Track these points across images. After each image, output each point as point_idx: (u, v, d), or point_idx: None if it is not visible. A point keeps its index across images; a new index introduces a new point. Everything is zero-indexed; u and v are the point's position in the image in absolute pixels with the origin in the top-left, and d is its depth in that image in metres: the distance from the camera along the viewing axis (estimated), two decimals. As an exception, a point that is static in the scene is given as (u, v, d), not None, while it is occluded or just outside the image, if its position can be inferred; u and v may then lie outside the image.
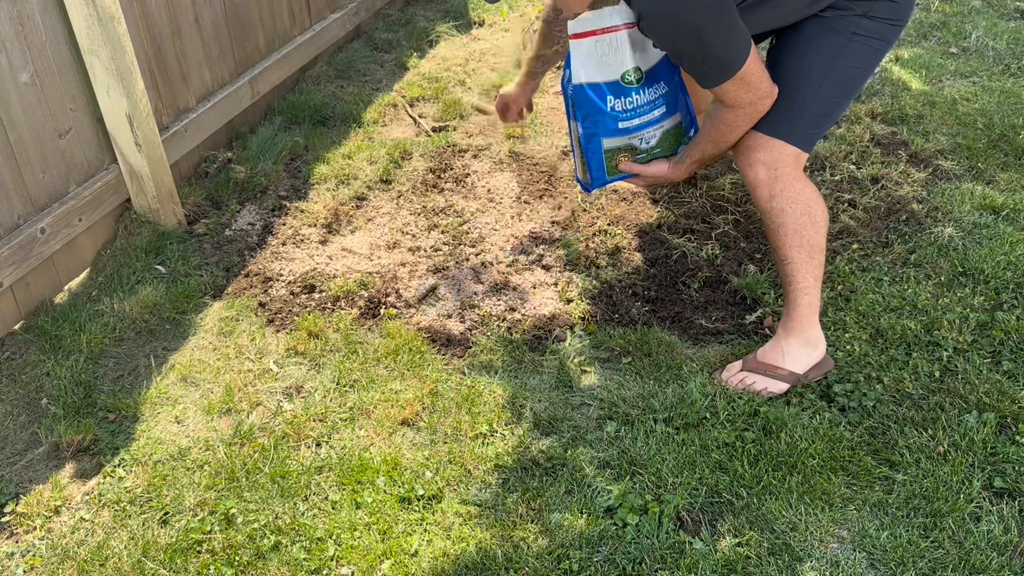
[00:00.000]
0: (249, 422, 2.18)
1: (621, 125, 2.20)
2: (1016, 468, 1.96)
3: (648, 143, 2.25)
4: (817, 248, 2.17)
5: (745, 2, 2.03)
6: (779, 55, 2.20)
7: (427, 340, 2.45)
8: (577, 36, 2.14)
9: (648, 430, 2.10)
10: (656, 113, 2.21)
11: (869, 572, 1.77)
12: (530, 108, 2.88)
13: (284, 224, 3.03)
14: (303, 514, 1.92)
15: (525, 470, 2.02)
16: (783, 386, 2.20)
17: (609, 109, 2.18)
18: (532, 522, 1.88)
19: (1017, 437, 2.04)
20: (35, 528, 1.93)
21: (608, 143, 2.25)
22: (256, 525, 1.88)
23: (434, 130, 3.68)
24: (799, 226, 2.15)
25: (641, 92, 2.19)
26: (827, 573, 1.76)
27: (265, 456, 2.07)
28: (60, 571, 1.81)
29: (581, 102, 2.21)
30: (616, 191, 3.18)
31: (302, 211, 3.09)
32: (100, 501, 1.98)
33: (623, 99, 2.18)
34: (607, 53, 2.14)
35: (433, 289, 2.68)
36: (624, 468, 2.00)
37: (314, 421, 2.18)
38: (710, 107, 2.21)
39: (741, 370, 2.24)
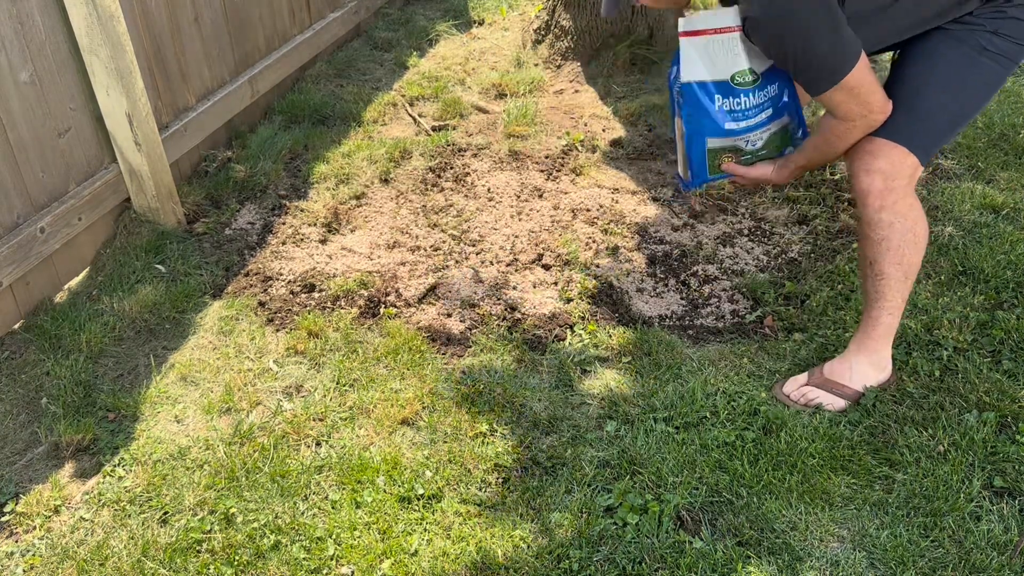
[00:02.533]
0: (249, 421, 2.18)
1: (728, 126, 2.17)
2: (1016, 467, 1.96)
3: (754, 145, 2.21)
4: (913, 269, 2.10)
5: (862, 11, 1.98)
6: (904, 64, 2.11)
7: (427, 339, 2.44)
8: (688, 34, 2.11)
9: (648, 429, 2.10)
10: (764, 115, 2.17)
11: (869, 571, 1.77)
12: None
13: (284, 223, 3.03)
14: (303, 513, 1.92)
15: (525, 469, 2.02)
16: (843, 404, 2.16)
17: (717, 109, 2.15)
18: (532, 521, 1.88)
19: (1017, 436, 2.04)
20: (35, 528, 1.93)
21: (712, 143, 2.21)
22: (256, 524, 1.88)
23: (434, 129, 3.67)
24: (903, 243, 2.06)
25: (752, 94, 2.14)
26: (827, 572, 1.76)
27: (265, 455, 2.07)
28: (60, 571, 1.81)
29: (688, 100, 2.18)
30: (618, 189, 3.18)
31: (302, 210, 3.09)
32: (100, 500, 1.98)
33: (732, 100, 2.15)
34: (720, 53, 2.11)
35: (433, 288, 2.68)
36: (624, 467, 2.00)
37: (314, 420, 2.18)
38: (822, 117, 2.16)
39: (806, 384, 2.20)
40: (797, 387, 2.20)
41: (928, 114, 2.03)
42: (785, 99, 2.18)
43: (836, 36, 1.92)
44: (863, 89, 1.98)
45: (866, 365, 2.17)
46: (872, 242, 2.09)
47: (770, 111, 2.17)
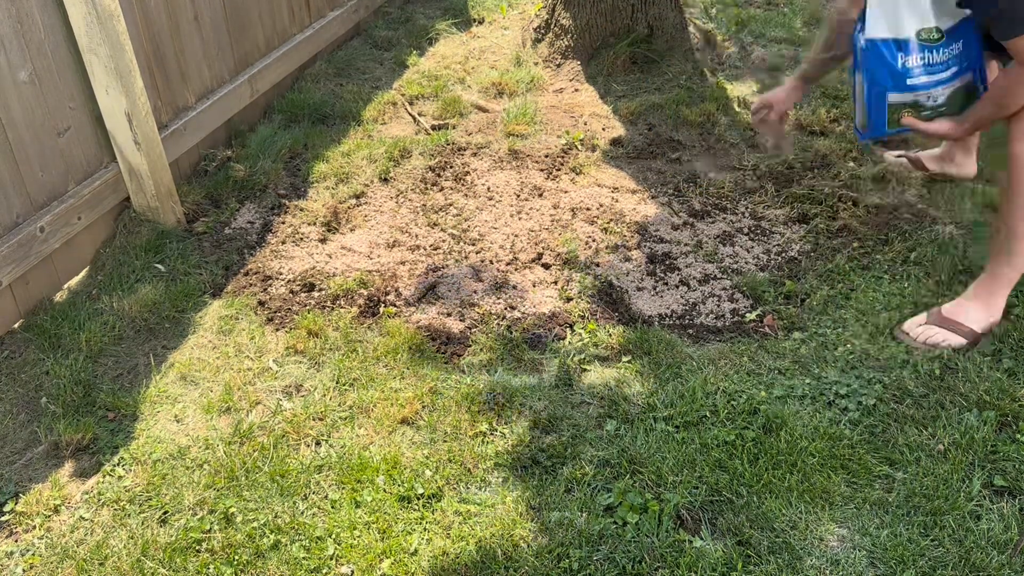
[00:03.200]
0: (248, 421, 2.18)
1: (910, 82, 2.24)
2: (1016, 466, 1.96)
3: (936, 101, 2.27)
4: None
5: None
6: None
7: (427, 338, 2.44)
8: None
9: (648, 428, 2.10)
10: (948, 73, 2.23)
11: (869, 570, 1.77)
12: (786, 117, 2.77)
13: (283, 222, 3.03)
14: (303, 513, 1.92)
15: (525, 469, 2.02)
16: (962, 341, 2.29)
17: (900, 66, 2.22)
18: (532, 521, 1.88)
19: (1017, 435, 2.04)
20: (34, 527, 1.93)
21: (894, 98, 2.28)
22: (255, 524, 1.88)
23: (434, 128, 3.67)
24: None
25: (936, 51, 2.20)
26: (827, 571, 1.76)
27: (264, 455, 2.07)
28: (59, 570, 1.81)
29: (871, 56, 2.25)
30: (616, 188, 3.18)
31: (301, 209, 3.09)
32: (99, 500, 1.98)
33: (916, 56, 2.21)
34: (905, 11, 2.18)
35: (432, 287, 2.67)
36: (624, 466, 2.00)
37: (313, 420, 2.18)
38: (1001, 71, 2.22)
39: (925, 323, 2.33)
40: (917, 325, 2.33)
41: None
42: (970, 57, 2.24)
43: None
44: None
45: (980, 310, 2.31)
46: (1016, 205, 2.23)
47: (955, 68, 2.22)
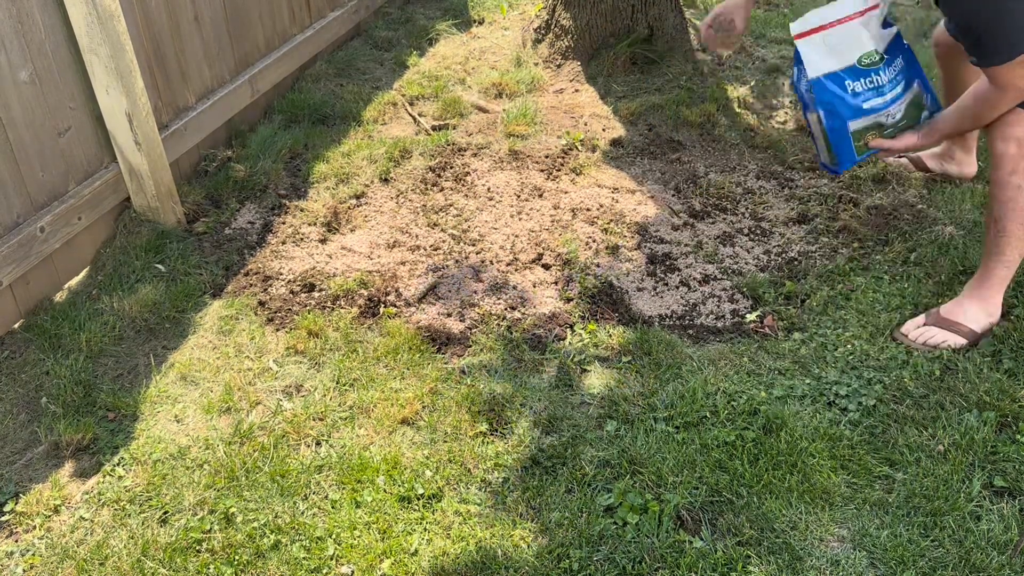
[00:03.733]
0: (249, 421, 2.18)
1: (865, 106, 2.28)
2: (1016, 467, 1.96)
3: (894, 118, 2.32)
4: None
5: None
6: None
7: (427, 339, 2.44)
8: (802, 35, 2.25)
9: (648, 429, 2.10)
10: (898, 89, 2.29)
11: (869, 571, 1.77)
12: (744, 25, 2.67)
13: (284, 223, 3.03)
14: (303, 513, 1.92)
15: (525, 469, 2.02)
16: (962, 341, 2.31)
17: (851, 93, 2.27)
18: (532, 521, 1.88)
19: (1017, 436, 2.04)
20: (34, 527, 1.93)
21: (855, 125, 2.31)
22: (256, 524, 1.88)
23: (434, 128, 3.67)
24: None
25: (882, 71, 2.26)
26: (827, 572, 1.76)
27: (265, 455, 2.07)
28: (59, 570, 1.81)
29: (820, 94, 2.29)
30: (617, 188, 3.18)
31: (302, 210, 3.09)
32: (99, 500, 1.98)
33: (864, 80, 2.26)
34: (840, 42, 2.24)
35: (433, 288, 2.67)
36: (624, 467, 2.00)
37: (314, 420, 2.18)
38: (973, 85, 2.24)
39: (924, 324, 2.35)
40: (916, 327, 2.35)
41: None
42: (911, 68, 2.31)
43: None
44: None
45: (978, 310, 2.33)
46: (1000, 202, 2.26)
47: (902, 83, 2.29)
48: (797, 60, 2.33)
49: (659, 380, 2.27)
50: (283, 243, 2.92)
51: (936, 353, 2.30)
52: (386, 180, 3.28)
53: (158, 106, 2.99)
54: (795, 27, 2.27)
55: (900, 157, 3.19)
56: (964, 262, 2.63)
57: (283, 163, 3.37)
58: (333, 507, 1.93)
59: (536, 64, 4.20)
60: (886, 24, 2.27)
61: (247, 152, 3.39)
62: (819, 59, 2.27)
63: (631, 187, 3.21)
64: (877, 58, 2.25)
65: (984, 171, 3.12)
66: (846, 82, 2.27)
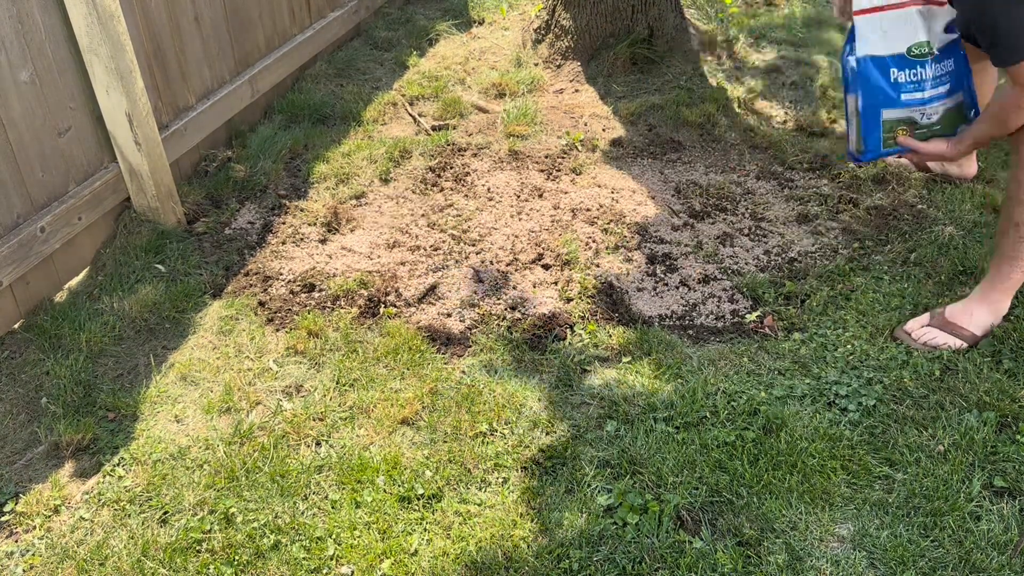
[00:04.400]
0: (249, 421, 2.18)
1: (904, 97, 2.24)
2: (1016, 467, 1.96)
3: (930, 119, 2.27)
4: None
5: None
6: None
7: (427, 339, 2.44)
8: (862, 12, 2.21)
9: (648, 429, 2.10)
10: (942, 89, 2.24)
11: (869, 571, 1.77)
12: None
13: (284, 223, 3.03)
14: (303, 513, 1.92)
15: (525, 469, 2.02)
16: (962, 344, 2.31)
17: (892, 80, 2.24)
18: (532, 521, 1.88)
19: (1017, 436, 2.04)
20: (34, 527, 1.93)
21: (888, 114, 2.28)
22: (256, 524, 1.88)
23: (434, 128, 3.67)
24: None
25: (929, 66, 2.21)
26: (827, 572, 1.76)
27: (265, 455, 2.07)
28: (59, 570, 1.81)
29: (864, 73, 2.25)
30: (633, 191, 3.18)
31: (302, 210, 3.09)
32: (99, 500, 1.98)
33: (908, 71, 2.23)
34: (895, 27, 2.20)
35: (433, 288, 2.67)
36: (624, 467, 2.00)
37: (314, 420, 2.18)
38: (999, 89, 2.24)
39: (928, 325, 2.34)
40: (919, 327, 2.34)
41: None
42: (961, 76, 2.25)
43: None
44: None
45: (984, 312, 2.32)
46: (1019, 204, 2.23)
47: (947, 86, 2.23)
48: (851, 36, 2.28)
49: (659, 380, 2.27)
50: (283, 243, 2.92)
51: (936, 353, 2.30)
52: (386, 180, 3.28)
53: (158, 106, 2.99)
54: (857, 2, 2.22)
55: (901, 156, 3.17)
56: (964, 262, 2.63)
57: (283, 163, 3.37)
58: (333, 507, 1.93)
59: (536, 64, 4.21)
60: (949, 28, 2.21)
61: (247, 152, 3.39)
62: (871, 39, 2.23)
63: (631, 187, 3.21)
64: (927, 50, 2.20)
65: (984, 171, 3.12)
66: (891, 69, 2.23)
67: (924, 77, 2.23)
